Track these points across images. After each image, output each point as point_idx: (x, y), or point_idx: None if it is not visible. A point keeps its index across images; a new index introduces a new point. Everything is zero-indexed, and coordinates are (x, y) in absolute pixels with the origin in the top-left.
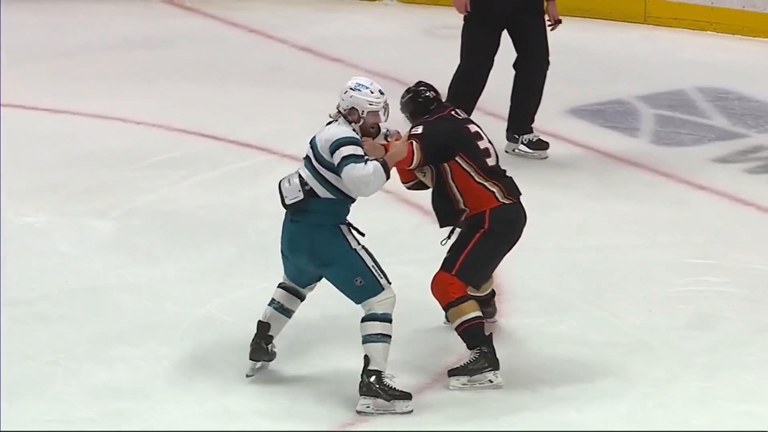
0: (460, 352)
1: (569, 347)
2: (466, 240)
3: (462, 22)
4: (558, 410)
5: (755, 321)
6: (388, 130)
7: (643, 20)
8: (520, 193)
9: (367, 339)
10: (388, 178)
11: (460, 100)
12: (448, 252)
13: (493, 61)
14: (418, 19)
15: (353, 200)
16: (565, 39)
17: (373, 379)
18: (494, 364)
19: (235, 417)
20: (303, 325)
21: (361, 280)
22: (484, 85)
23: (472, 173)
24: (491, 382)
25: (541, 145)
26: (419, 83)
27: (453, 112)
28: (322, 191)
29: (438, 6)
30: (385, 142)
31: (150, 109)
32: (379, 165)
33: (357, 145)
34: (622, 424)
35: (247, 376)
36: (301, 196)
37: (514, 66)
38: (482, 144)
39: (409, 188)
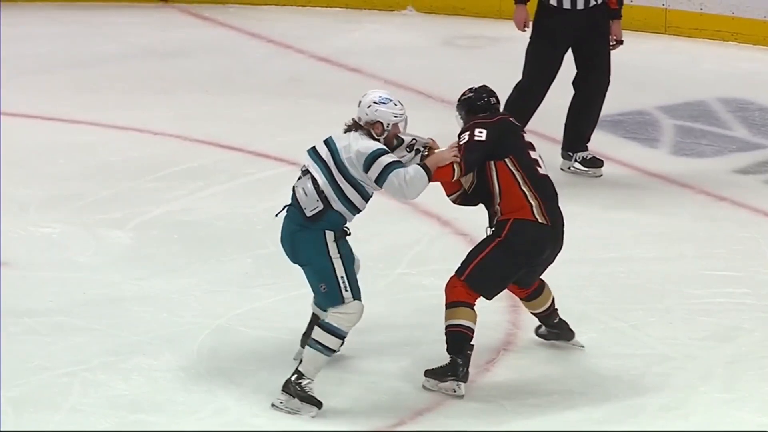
0: (479, 364)
1: (588, 359)
2: (483, 247)
3: (516, 35)
4: (578, 422)
5: None
6: (414, 140)
7: (664, 30)
8: (562, 223)
9: (310, 343)
10: (430, 180)
11: (515, 115)
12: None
13: (553, 79)
14: (438, 30)
15: (359, 212)
16: None
17: (294, 378)
18: (460, 377)
19: (253, 428)
20: None
21: (325, 287)
22: (540, 103)
23: (519, 179)
24: (454, 392)
25: (595, 163)
26: (483, 87)
27: (511, 119)
28: (335, 202)
29: (457, 16)
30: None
31: (168, 119)
32: (420, 168)
33: (389, 154)
34: None
35: (294, 359)
36: (320, 206)
37: (574, 84)
38: (533, 154)
39: (453, 201)
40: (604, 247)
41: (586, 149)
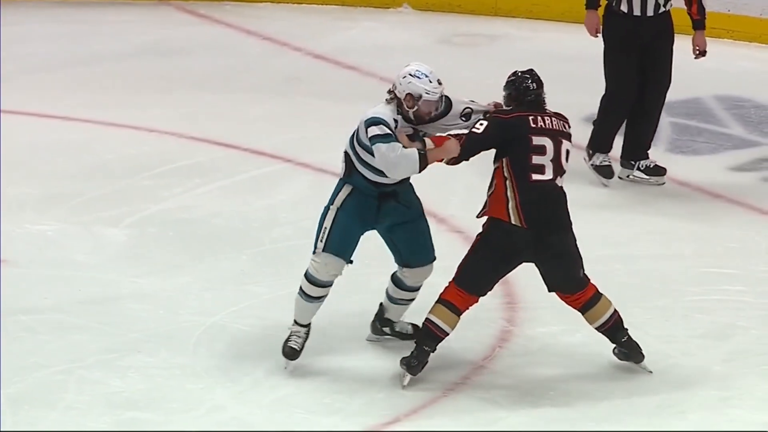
0: (474, 361)
1: (585, 356)
2: (471, 245)
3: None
4: (574, 420)
5: None
6: (469, 108)
7: None
8: (553, 229)
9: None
10: (422, 169)
11: (608, 124)
12: None
13: (635, 84)
14: (434, 27)
15: (383, 185)
16: (580, 46)
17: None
18: (410, 369)
19: (249, 426)
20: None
21: (316, 233)
22: (629, 110)
23: (507, 181)
24: (401, 380)
25: (658, 171)
26: (530, 71)
27: (533, 117)
28: (356, 164)
29: (453, 14)
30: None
31: (164, 117)
32: (416, 152)
33: (386, 127)
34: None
35: (367, 339)
36: (344, 167)
37: (637, 92)
38: (538, 159)
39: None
40: (601, 246)
41: (647, 157)
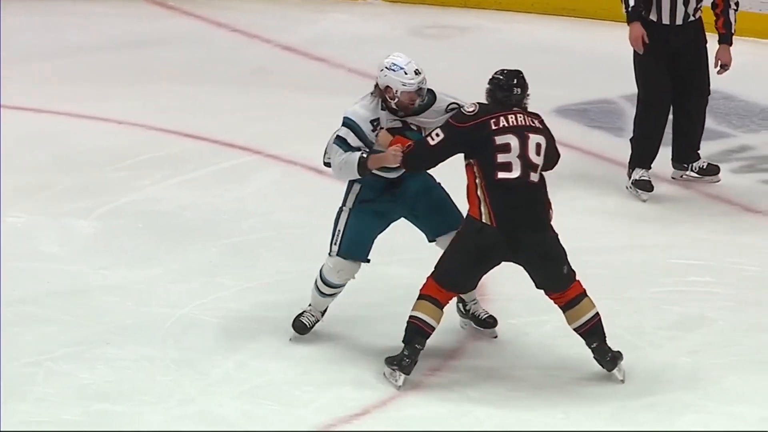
0: (444, 353)
1: (554, 348)
2: (450, 242)
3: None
4: (542, 411)
5: (741, 321)
6: (456, 104)
7: None
8: (528, 229)
9: None
10: (362, 173)
11: (647, 137)
12: None
13: (669, 90)
14: (405, 19)
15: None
16: (550, 38)
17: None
18: (403, 369)
19: (219, 418)
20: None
21: (331, 233)
22: (667, 114)
23: (477, 181)
24: (395, 381)
25: (712, 170)
26: (514, 74)
27: (495, 119)
28: None
29: (424, 5)
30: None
31: (134, 109)
32: (354, 159)
33: (349, 128)
34: (607, 424)
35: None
36: None
37: (673, 101)
38: (504, 157)
39: None
40: (569, 237)
41: (699, 157)
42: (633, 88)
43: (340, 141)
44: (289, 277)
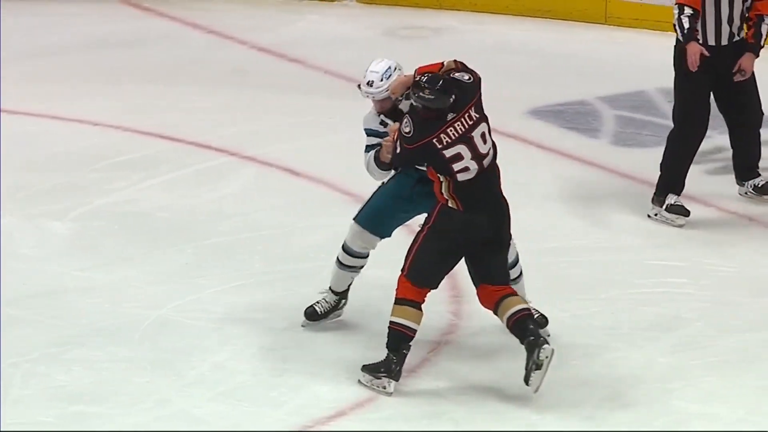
0: (419, 353)
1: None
2: (416, 238)
3: None
4: (518, 411)
5: (717, 322)
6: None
7: (604, 21)
8: (487, 212)
9: None
10: (380, 166)
11: (679, 163)
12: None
13: (708, 111)
14: (379, 20)
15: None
16: (525, 39)
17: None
18: (392, 375)
19: (195, 419)
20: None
21: None
22: (701, 139)
23: (441, 179)
24: (384, 388)
25: (765, 190)
26: (435, 82)
27: (437, 138)
28: None
29: (398, 6)
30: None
31: (110, 110)
32: (371, 156)
33: (366, 134)
34: (583, 425)
35: None
36: None
37: (728, 123)
38: (459, 165)
39: None
40: (546, 238)
41: (759, 175)
42: (609, 90)
43: (366, 148)
44: (266, 278)
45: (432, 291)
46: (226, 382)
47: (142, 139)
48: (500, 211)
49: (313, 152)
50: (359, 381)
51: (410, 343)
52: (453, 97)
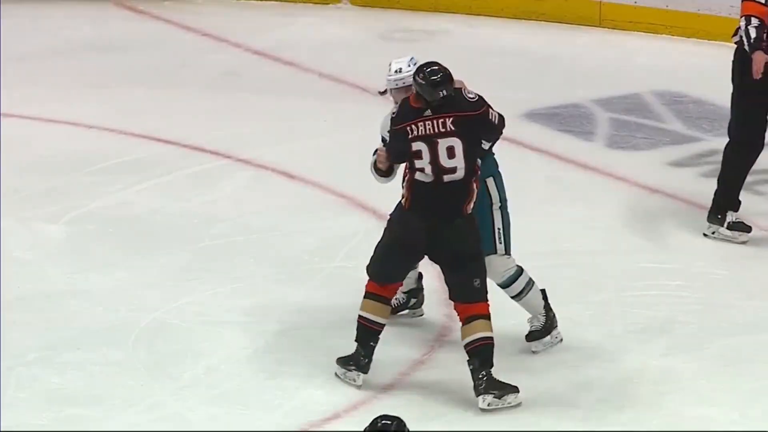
0: (413, 357)
1: (523, 352)
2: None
3: None
4: (513, 413)
5: (709, 325)
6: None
7: (598, 23)
8: (437, 218)
9: None
10: (378, 172)
11: (737, 179)
12: None
13: (765, 127)
14: (374, 23)
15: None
16: (519, 42)
17: None
18: (361, 368)
19: (188, 422)
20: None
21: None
22: (759, 153)
23: (408, 171)
24: (354, 381)
25: None
26: (427, 68)
27: (411, 126)
28: None
29: (393, 9)
30: None
31: (103, 113)
32: (371, 163)
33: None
34: (577, 426)
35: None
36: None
37: None
38: (419, 163)
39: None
40: (539, 241)
41: None
42: (603, 93)
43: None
44: (259, 281)
45: (425, 293)
46: (220, 385)
47: (135, 142)
48: (446, 228)
49: (306, 155)
50: (335, 374)
51: (377, 336)
52: (442, 94)
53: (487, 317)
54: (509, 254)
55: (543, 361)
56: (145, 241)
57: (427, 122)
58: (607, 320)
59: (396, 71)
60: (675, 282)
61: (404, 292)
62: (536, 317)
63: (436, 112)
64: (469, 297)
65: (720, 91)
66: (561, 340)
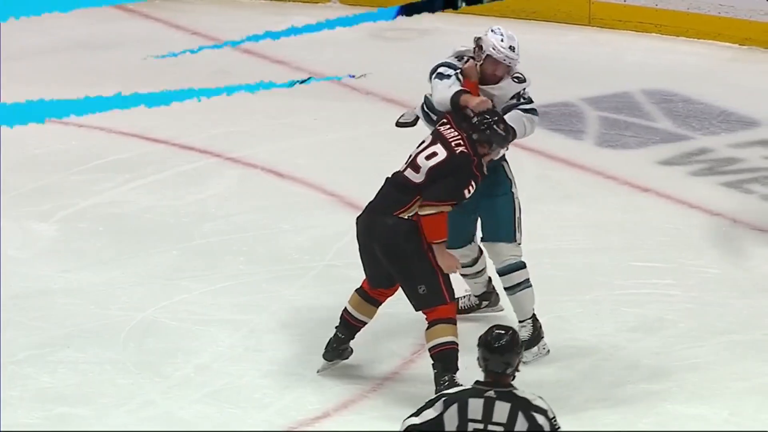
0: (404, 355)
1: None
2: None
3: None
4: None
5: (701, 323)
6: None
7: (588, 22)
8: (372, 210)
9: None
10: (449, 104)
11: None
12: None
13: None
14: (364, 22)
15: None
16: None
17: None
18: (324, 354)
19: (179, 421)
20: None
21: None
22: None
23: None
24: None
25: None
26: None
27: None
28: None
29: (383, 8)
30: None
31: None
32: (452, 89)
33: (448, 67)
34: (568, 425)
35: None
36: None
37: None
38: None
39: None
40: (529, 240)
41: None
42: (593, 92)
43: (439, 75)
44: (249, 279)
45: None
46: (211, 383)
47: (126, 141)
48: (372, 227)
49: (297, 153)
50: (317, 370)
51: (353, 333)
52: (505, 133)
53: (448, 320)
54: (520, 243)
55: (532, 360)
56: (136, 240)
57: (452, 131)
58: (598, 319)
59: (512, 48)
60: (665, 280)
61: (476, 296)
62: (524, 326)
63: (438, 124)
64: (422, 305)
65: (709, 90)
66: (548, 351)
